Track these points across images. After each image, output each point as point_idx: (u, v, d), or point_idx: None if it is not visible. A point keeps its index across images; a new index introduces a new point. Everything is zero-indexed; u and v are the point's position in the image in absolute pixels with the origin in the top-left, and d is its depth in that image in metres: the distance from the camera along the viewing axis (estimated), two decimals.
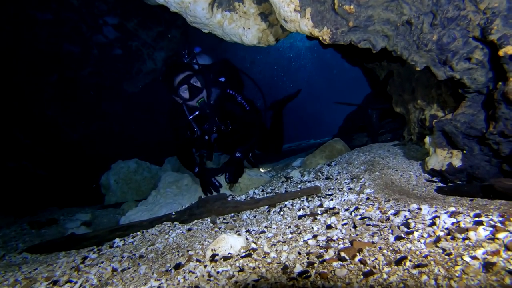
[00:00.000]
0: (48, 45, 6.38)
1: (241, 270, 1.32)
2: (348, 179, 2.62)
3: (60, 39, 6.61)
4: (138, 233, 2.39)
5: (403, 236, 1.32)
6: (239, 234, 1.76)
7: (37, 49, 6.21)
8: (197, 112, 3.64)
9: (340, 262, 1.22)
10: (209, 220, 2.40)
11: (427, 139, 2.33)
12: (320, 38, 2.13)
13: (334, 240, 1.45)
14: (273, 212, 2.22)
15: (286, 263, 1.32)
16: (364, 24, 1.97)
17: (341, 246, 1.37)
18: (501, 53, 1.59)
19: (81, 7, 6.69)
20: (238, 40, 2.97)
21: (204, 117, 3.74)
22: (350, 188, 2.31)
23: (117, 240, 2.32)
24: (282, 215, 2.09)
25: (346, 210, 1.84)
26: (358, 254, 1.25)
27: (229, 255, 1.50)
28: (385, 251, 1.23)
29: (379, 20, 1.94)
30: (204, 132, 3.87)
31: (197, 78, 3.60)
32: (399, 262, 1.12)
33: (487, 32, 1.63)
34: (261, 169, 4.51)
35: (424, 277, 1.01)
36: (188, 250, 1.73)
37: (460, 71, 1.82)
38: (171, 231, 2.25)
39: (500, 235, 1.10)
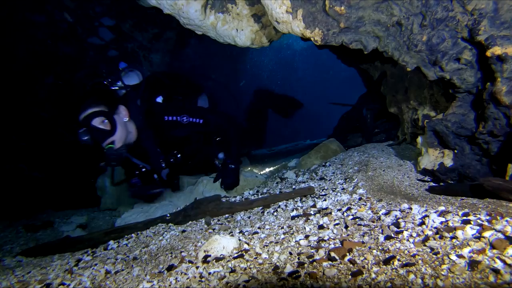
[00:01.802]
0: (43, 47, 6.37)
1: (233, 271, 1.33)
2: (341, 179, 2.64)
3: (55, 41, 6.59)
4: (133, 235, 2.39)
5: (392, 235, 1.33)
6: (232, 235, 1.77)
7: (32, 51, 6.19)
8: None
9: (330, 262, 1.23)
10: (203, 221, 2.40)
11: (419, 139, 2.34)
12: (312, 39, 2.15)
13: (325, 240, 1.46)
14: (267, 213, 2.23)
15: (277, 264, 1.33)
16: (355, 25, 1.99)
17: (332, 246, 1.38)
18: (488, 53, 1.60)
19: (77, 9, 6.68)
20: (232, 42, 2.99)
21: (144, 151, 3.27)
22: (343, 189, 2.33)
23: (111, 242, 2.32)
24: (275, 215, 2.10)
25: (339, 210, 1.86)
26: (348, 254, 1.26)
27: (221, 256, 1.51)
28: (374, 251, 1.24)
29: (370, 21, 1.96)
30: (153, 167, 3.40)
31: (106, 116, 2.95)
32: (387, 261, 1.13)
33: (475, 33, 1.65)
34: (259, 171, 4.44)
35: (412, 276, 1.02)
36: (181, 252, 1.74)
37: (450, 72, 1.84)
38: (165, 232, 2.26)
39: (486, 234, 1.11)
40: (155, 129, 3.26)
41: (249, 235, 1.78)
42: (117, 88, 3.24)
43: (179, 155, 3.41)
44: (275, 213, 2.15)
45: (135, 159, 3.38)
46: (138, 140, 3.25)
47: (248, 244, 1.61)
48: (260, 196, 2.75)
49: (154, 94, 3.34)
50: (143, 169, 3.41)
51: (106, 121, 2.93)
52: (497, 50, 1.57)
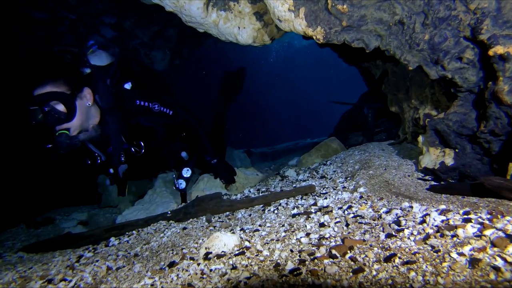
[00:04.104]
0: (45, 45, 6.37)
1: (234, 268, 1.34)
2: (342, 178, 2.64)
3: (57, 38, 6.59)
4: (134, 232, 2.40)
5: (393, 233, 1.34)
6: (233, 233, 1.78)
7: (33, 49, 6.19)
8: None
9: (331, 260, 1.24)
10: (204, 218, 2.41)
11: (420, 138, 2.35)
12: (314, 37, 2.15)
13: (326, 238, 1.46)
14: (268, 210, 2.23)
15: (278, 261, 1.33)
16: (357, 23, 1.99)
17: (333, 243, 1.38)
18: (491, 52, 1.60)
19: (78, 6, 6.68)
20: (233, 40, 2.99)
21: (105, 137, 2.93)
22: (344, 187, 2.33)
23: (112, 239, 2.33)
24: (276, 213, 2.10)
25: (340, 208, 1.86)
26: (349, 251, 1.27)
27: (223, 253, 1.51)
28: (375, 249, 1.24)
29: (372, 19, 1.96)
30: (109, 158, 3.04)
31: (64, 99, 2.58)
32: (388, 259, 1.14)
33: (477, 32, 1.65)
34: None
35: (412, 274, 1.02)
36: (182, 249, 1.74)
37: (451, 71, 1.84)
38: (166, 229, 2.26)
39: (487, 232, 1.12)
40: (123, 113, 2.96)
41: (250, 232, 1.79)
42: (82, 66, 2.95)
43: (142, 148, 3.07)
44: (276, 211, 2.16)
45: (91, 146, 3.00)
46: (101, 124, 2.92)
47: (249, 241, 1.61)
48: (261, 194, 2.75)
49: (123, 79, 3.10)
50: (98, 159, 3.03)
51: (64, 106, 2.60)
52: (499, 49, 1.57)
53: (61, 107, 2.59)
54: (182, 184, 3.24)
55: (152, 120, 3.07)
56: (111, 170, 3.06)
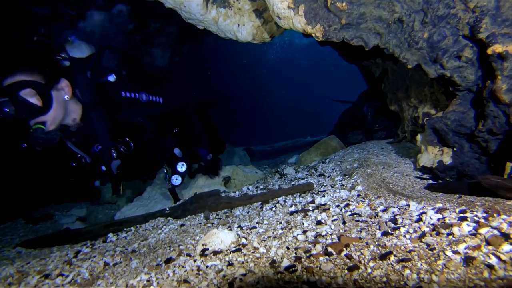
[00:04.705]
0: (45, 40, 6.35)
1: (230, 264, 1.34)
2: (340, 176, 2.65)
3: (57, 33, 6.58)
4: (132, 228, 2.40)
5: (390, 231, 1.34)
6: (230, 230, 1.78)
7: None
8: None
9: (327, 257, 1.24)
10: (202, 215, 2.41)
11: (419, 137, 2.35)
12: (313, 35, 2.14)
13: (323, 236, 1.47)
14: (266, 208, 2.24)
15: (275, 258, 1.33)
16: (357, 21, 1.98)
17: (329, 241, 1.39)
18: (489, 51, 1.60)
19: (78, 2, 6.67)
20: (233, 37, 2.98)
21: (89, 136, 2.72)
22: (342, 185, 2.33)
23: (110, 235, 2.33)
24: (274, 211, 2.11)
25: (337, 206, 1.86)
26: (345, 249, 1.27)
27: (219, 250, 1.52)
28: (371, 246, 1.25)
29: (371, 17, 1.96)
30: (95, 158, 2.83)
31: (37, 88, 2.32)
32: (384, 257, 1.14)
33: (476, 31, 1.65)
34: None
35: (407, 271, 1.02)
36: (179, 245, 1.75)
37: (450, 69, 1.84)
38: (164, 226, 2.27)
39: (482, 230, 1.12)
40: (107, 108, 2.74)
41: (247, 229, 1.79)
42: (59, 58, 2.67)
43: (131, 144, 2.83)
44: (273, 209, 2.16)
45: (73, 147, 2.77)
46: (83, 121, 2.69)
47: (246, 238, 1.62)
48: (259, 192, 2.76)
49: (106, 71, 2.85)
50: (82, 160, 2.81)
51: (37, 96, 2.36)
52: (498, 48, 1.57)
53: (34, 98, 2.35)
54: (178, 180, 3.05)
55: (142, 112, 2.86)
56: (103, 168, 2.88)
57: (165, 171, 3.24)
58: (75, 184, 3.96)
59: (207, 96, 4.75)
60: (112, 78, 2.84)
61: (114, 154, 2.80)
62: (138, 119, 2.89)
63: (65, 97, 2.57)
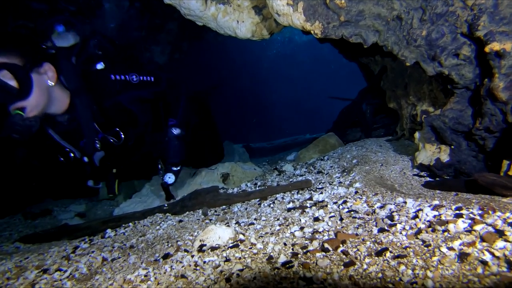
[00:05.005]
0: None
1: (227, 260, 1.35)
2: (339, 173, 2.66)
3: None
4: (130, 224, 2.41)
5: (386, 228, 1.35)
6: (228, 226, 1.79)
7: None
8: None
9: (323, 253, 1.25)
10: (200, 212, 2.42)
11: (417, 135, 2.35)
12: (312, 32, 2.15)
13: (320, 232, 1.47)
14: (264, 204, 2.24)
15: (272, 254, 1.34)
16: (355, 18, 1.98)
17: (326, 237, 1.39)
18: (487, 49, 1.61)
19: None
20: (232, 33, 2.98)
21: (74, 129, 2.57)
22: (340, 182, 2.34)
23: (109, 230, 2.34)
24: (272, 207, 2.12)
25: (335, 203, 1.87)
26: (341, 245, 1.28)
27: (217, 245, 1.53)
28: (367, 243, 1.25)
29: (370, 15, 1.96)
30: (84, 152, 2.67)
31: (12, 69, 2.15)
32: (379, 253, 1.15)
33: (474, 29, 1.65)
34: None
35: (402, 267, 1.03)
36: (177, 241, 1.76)
37: (448, 67, 1.84)
38: (163, 222, 2.28)
39: (477, 227, 1.13)
40: (96, 94, 2.59)
41: (245, 226, 1.80)
42: (44, 47, 2.51)
43: (122, 135, 2.68)
44: (271, 205, 2.17)
45: (61, 140, 2.62)
46: (70, 111, 2.53)
47: (243, 234, 1.62)
48: (257, 188, 2.77)
49: (94, 58, 2.72)
50: (71, 154, 2.65)
51: (15, 80, 2.19)
52: (495, 46, 1.57)
53: (12, 82, 2.17)
54: (171, 178, 2.87)
55: (135, 95, 2.72)
56: (85, 159, 2.71)
57: (159, 166, 3.10)
58: (68, 181, 3.74)
59: (207, 85, 4.58)
60: (100, 65, 2.71)
61: (98, 145, 2.65)
62: (131, 106, 2.77)
63: (48, 82, 2.39)
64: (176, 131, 2.69)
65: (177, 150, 2.84)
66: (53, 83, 2.40)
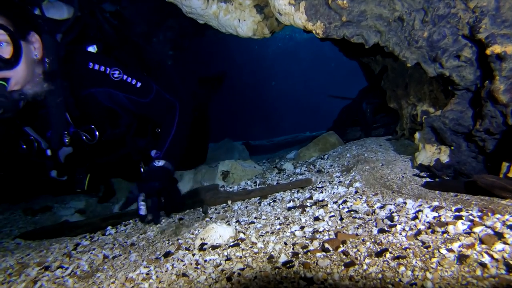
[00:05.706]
0: None
1: (228, 259, 1.36)
2: (339, 172, 2.67)
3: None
4: (131, 221, 2.42)
5: (386, 229, 1.36)
6: (228, 224, 1.80)
7: None
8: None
9: (324, 253, 1.26)
10: (201, 210, 2.43)
11: (417, 135, 2.36)
12: (314, 32, 2.15)
13: (320, 232, 1.49)
14: (264, 203, 2.26)
15: (272, 253, 1.35)
16: (357, 19, 1.99)
17: (326, 237, 1.41)
18: (488, 51, 1.61)
19: None
20: (233, 32, 2.98)
21: (43, 116, 2.20)
22: (340, 181, 2.35)
23: (109, 228, 2.35)
24: (272, 206, 2.13)
25: (335, 203, 1.88)
26: (341, 245, 1.29)
27: (218, 244, 1.54)
28: (367, 243, 1.27)
29: (372, 15, 1.96)
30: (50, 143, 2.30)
31: None
32: (379, 254, 1.16)
33: (476, 31, 1.66)
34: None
35: (402, 268, 1.05)
36: (178, 239, 1.77)
37: (449, 68, 1.85)
38: (163, 220, 2.29)
39: (477, 229, 1.14)
40: (71, 81, 2.20)
41: (245, 224, 1.81)
42: (35, 14, 2.17)
43: (96, 134, 2.33)
44: (272, 204, 2.18)
45: (26, 127, 2.28)
46: (44, 94, 2.12)
47: (244, 233, 1.64)
48: (257, 187, 2.78)
49: (86, 39, 2.36)
50: (35, 144, 2.28)
51: (5, 44, 1.85)
52: (496, 49, 1.58)
53: (5, 46, 1.86)
54: (142, 210, 2.25)
55: (111, 94, 2.29)
56: (48, 152, 2.36)
57: (142, 169, 2.81)
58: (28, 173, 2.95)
59: (214, 73, 4.33)
60: (93, 49, 2.36)
61: (67, 140, 2.28)
62: (112, 104, 2.38)
63: (35, 55, 2.06)
64: (158, 163, 2.26)
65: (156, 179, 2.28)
66: (39, 56, 2.07)
